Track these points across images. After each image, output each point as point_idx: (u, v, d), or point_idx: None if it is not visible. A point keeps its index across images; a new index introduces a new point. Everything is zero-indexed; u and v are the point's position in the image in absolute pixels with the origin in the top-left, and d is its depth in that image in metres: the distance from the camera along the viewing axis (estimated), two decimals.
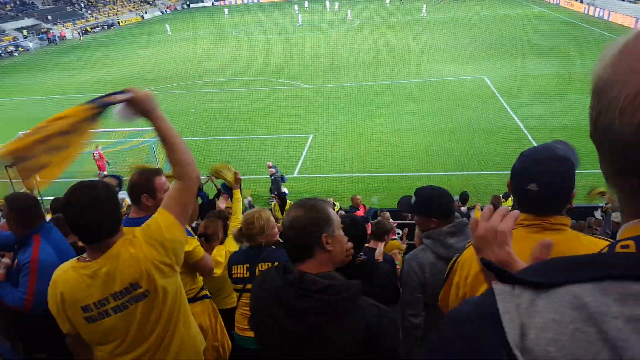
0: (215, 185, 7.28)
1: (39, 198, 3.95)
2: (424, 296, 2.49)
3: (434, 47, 29.85)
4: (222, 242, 3.48)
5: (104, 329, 1.94)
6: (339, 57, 29.39)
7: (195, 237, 3.05)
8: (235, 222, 3.53)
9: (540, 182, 1.57)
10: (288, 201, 9.06)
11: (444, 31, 35.33)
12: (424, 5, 46.13)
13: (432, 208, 2.56)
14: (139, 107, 1.95)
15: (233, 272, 2.92)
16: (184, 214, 2.04)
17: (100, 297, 1.90)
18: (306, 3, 62.30)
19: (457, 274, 1.79)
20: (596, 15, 36.95)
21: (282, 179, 12.34)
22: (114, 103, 1.90)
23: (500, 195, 9.59)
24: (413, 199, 2.66)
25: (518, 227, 1.59)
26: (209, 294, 3.18)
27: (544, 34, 31.47)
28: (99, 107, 1.85)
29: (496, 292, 0.56)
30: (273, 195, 11.29)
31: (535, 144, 14.34)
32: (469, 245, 1.80)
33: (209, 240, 3.41)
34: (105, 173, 14.28)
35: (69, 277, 1.93)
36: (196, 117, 20.06)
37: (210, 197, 7.17)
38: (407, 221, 9.00)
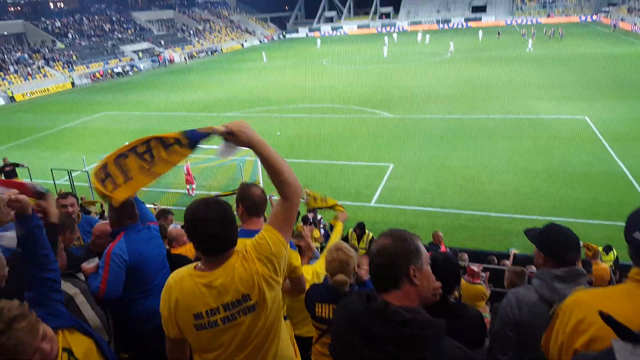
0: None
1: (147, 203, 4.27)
2: (515, 335, 2.39)
3: (531, 84, 28.36)
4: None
5: (211, 336, 2.05)
6: (426, 89, 29.02)
7: (296, 250, 3.08)
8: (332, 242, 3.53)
9: None
10: (367, 231, 8.85)
11: (542, 68, 33.51)
12: (530, 40, 44.31)
13: (550, 243, 2.44)
14: (240, 139, 2.05)
15: (317, 310, 2.92)
16: (288, 230, 2.15)
17: (213, 307, 2.01)
18: (395, 35, 62.87)
19: (558, 319, 1.72)
20: None
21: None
22: (207, 135, 2.08)
23: (600, 248, 8.60)
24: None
25: (629, 281, 1.57)
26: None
27: None
28: (190, 140, 2.08)
29: (616, 349, 0.51)
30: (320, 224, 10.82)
31: None
32: (574, 292, 1.74)
33: (302, 255, 3.45)
34: (194, 186, 15.20)
35: (185, 284, 2.05)
36: (281, 139, 20.76)
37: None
38: (492, 265, 8.37)
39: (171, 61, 57.68)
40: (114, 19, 65.99)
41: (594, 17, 68.08)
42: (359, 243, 8.41)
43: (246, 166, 15.55)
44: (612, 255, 8.79)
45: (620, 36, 49.26)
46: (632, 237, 1.55)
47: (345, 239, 8.68)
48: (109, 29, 61.95)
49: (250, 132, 2.06)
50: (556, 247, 2.41)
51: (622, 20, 57.38)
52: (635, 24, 52.64)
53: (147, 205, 3.85)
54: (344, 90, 30.99)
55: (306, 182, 15.62)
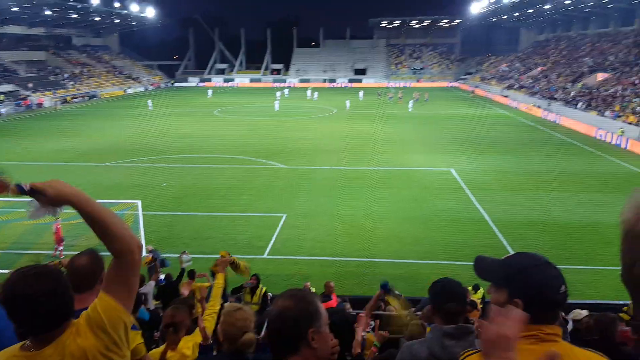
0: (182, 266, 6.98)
1: None
2: None
3: (406, 139, 31.45)
4: (188, 332, 3.28)
5: None
6: (316, 142, 30.45)
7: (139, 331, 2.84)
8: (211, 310, 3.37)
9: (526, 292, 1.54)
10: (261, 285, 8.72)
11: (416, 125, 37.50)
12: (410, 101, 48.94)
13: (433, 294, 2.58)
14: (50, 196, 1.70)
15: None
16: (125, 294, 1.84)
17: None
18: (286, 90, 65.72)
19: None
20: (551, 119, 40.22)
21: (163, 264, 11.25)
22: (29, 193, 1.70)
23: (470, 288, 9.58)
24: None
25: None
26: None
27: (506, 133, 33.83)
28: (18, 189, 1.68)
29: None
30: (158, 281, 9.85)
31: (501, 237, 14.74)
32: (465, 355, 1.72)
33: (177, 331, 3.20)
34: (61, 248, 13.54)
35: None
36: (167, 191, 19.89)
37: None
38: (380, 312, 8.77)
39: (40, 105, 52.68)
40: None
41: (455, 83, 78.95)
42: (252, 297, 8.23)
43: (126, 221, 14.51)
44: (479, 293, 9.83)
45: (476, 100, 57.63)
46: (559, 293, 1.56)
47: (235, 289, 8.46)
48: None
49: (63, 187, 1.73)
50: (437, 297, 2.55)
51: (477, 87, 67.44)
52: (487, 91, 62.32)
53: None
54: (236, 141, 31.10)
55: (196, 236, 15.05)
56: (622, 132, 29.84)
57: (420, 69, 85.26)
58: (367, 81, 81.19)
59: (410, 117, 42.06)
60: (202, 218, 16.84)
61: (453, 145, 29.44)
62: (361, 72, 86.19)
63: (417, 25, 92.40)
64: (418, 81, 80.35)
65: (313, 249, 14.25)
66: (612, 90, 39.00)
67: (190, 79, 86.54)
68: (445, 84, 79.14)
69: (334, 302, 8.39)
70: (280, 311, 1.57)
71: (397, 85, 76.66)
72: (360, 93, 59.92)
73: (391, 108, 48.66)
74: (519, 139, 31.55)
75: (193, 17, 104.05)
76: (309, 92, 61.19)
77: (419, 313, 7.35)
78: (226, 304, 2.96)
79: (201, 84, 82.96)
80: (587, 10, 58.79)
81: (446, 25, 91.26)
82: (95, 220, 1.79)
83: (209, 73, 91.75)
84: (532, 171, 22.94)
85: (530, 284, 1.56)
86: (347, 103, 49.74)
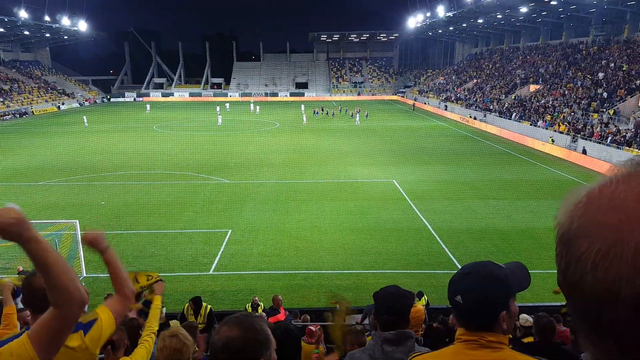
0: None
1: None
2: None
3: (349, 152, 32.11)
4: (127, 353, 3.19)
5: None
6: (260, 156, 30.33)
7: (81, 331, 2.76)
8: (149, 331, 3.29)
9: (465, 296, 1.61)
10: (204, 304, 8.51)
11: (359, 138, 38.40)
12: (357, 115, 49.53)
13: (376, 302, 2.59)
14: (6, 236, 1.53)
15: None
16: (49, 348, 1.62)
17: None
18: (227, 105, 64.99)
19: None
20: (488, 130, 42.67)
21: (17, 292, 10.86)
22: None
23: (415, 293, 9.92)
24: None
25: (457, 342, 1.62)
26: None
27: (444, 144, 35.49)
28: None
29: None
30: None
31: (443, 245, 15.38)
32: (412, 357, 1.76)
33: (114, 349, 3.13)
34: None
35: None
36: (106, 209, 18.98)
37: None
38: (328, 323, 8.86)
39: None
40: None
41: (395, 96, 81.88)
42: (196, 318, 8.01)
43: (64, 241, 13.72)
44: (423, 300, 10.21)
45: (416, 112, 60.03)
46: (455, 301, 1.62)
47: (182, 315, 8.22)
48: None
49: (21, 226, 1.52)
50: (377, 307, 2.63)
51: (415, 99, 70.27)
52: (426, 103, 65.12)
53: None
54: (177, 156, 30.30)
55: (137, 255, 14.46)
56: (552, 140, 32.27)
57: (361, 82, 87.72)
58: (309, 95, 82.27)
59: (353, 130, 43.04)
60: (144, 236, 16.21)
61: (395, 156, 30.44)
62: (303, 85, 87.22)
63: (356, 40, 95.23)
64: (359, 95, 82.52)
65: (260, 264, 14.14)
66: (543, 101, 41.71)
67: (127, 94, 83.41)
68: (385, 97, 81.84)
69: (282, 315, 8.39)
70: (225, 342, 1.44)
71: (339, 98, 78.24)
72: (302, 106, 60.25)
73: (335, 121, 49.53)
74: (456, 150, 33.18)
75: (128, 31, 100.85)
76: (251, 106, 60.90)
77: (366, 322, 7.53)
78: (165, 331, 2.87)
79: (139, 99, 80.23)
80: (518, 24, 62.77)
81: (384, 39, 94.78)
82: (41, 262, 1.57)
83: (147, 87, 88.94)
84: (470, 180, 24.18)
85: (449, 293, 1.67)
86: (304, 118, 49.05)
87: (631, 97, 33.49)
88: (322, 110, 58.98)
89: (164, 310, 9.11)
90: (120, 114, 57.53)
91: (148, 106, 62.22)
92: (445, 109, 56.76)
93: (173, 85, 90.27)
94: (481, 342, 1.58)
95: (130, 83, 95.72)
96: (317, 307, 10.80)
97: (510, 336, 1.71)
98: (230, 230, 16.74)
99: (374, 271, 13.56)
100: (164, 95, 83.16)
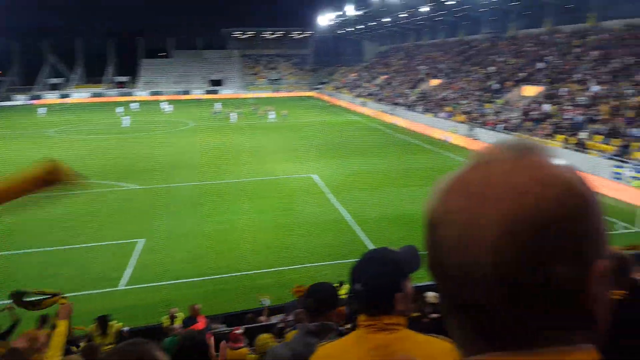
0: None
1: None
2: None
3: (268, 149, 31.78)
4: None
5: None
6: (174, 157, 28.92)
7: None
8: None
9: (364, 283, 1.68)
10: (112, 322, 7.80)
11: (277, 135, 38.15)
12: (273, 112, 48.83)
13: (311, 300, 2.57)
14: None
15: None
16: None
17: None
18: (136, 104, 61.02)
19: None
20: (396, 123, 44.65)
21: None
22: None
23: (336, 284, 10.00)
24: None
25: (359, 328, 1.68)
26: None
27: (358, 137, 36.54)
28: None
29: None
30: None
31: (362, 236, 15.76)
32: (320, 345, 1.82)
33: None
34: None
35: None
36: None
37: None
38: (252, 324, 8.61)
39: None
40: None
41: (310, 93, 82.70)
42: (104, 339, 7.35)
43: None
44: (344, 289, 10.32)
45: (332, 108, 61.12)
46: (354, 289, 1.70)
47: (88, 337, 7.48)
48: None
49: None
50: (306, 299, 2.63)
51: (331, 95, 71.62)
52: (340, 99, 66.63)
53: None
54: (78, 162, 27.75)
55: (35, 276, 13.01)
56: (455, 130, 34.61)
57: (277, 79, 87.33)
58: (225, 92, 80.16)
59: (271, 127, 42.70)
60: (43, 254, 14.64)
61: (312, 151, 30.67)
62: (217, 83, 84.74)
63: (271, 36, 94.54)
64: (277, 91, 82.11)
65: (179, 272, 13.40)
66: (444, 94, 44.70)
67: (16, 96, 75.10)
68: (302, 93, 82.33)
69: (201, 324, 7.97)
70: None
71: (255, 95, 77.20)
72: (218, 105, 57.65)
73: (253, 118, 48.77)
74: (370, 142, 34.29)
75: (14, 27, 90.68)
76: (162, 105, 57.83)
77: (290, 318, 7.41)
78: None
79: (31, 102, 72.58)
80: (419, 23, 66.95)
81: (298, 36, 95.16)
82: None
83: (41, 89, 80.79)
84: (383, 170, 25.08)
85: (350, 283, 1.75)
86: (233, 115, 46.99)
87: (517, 87, 37.05)
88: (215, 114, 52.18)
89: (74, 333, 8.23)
90: (8, 119, 51.55)
91: (43, 109, 56.46)
92: (359, 104, 58.46)
93: (71, 85, 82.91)
94: (379, 325, 1.65)
95: (20, 85, 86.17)
96: (241, 310, 10.48)
97: (414, 315, 1.88)
98: (143, 240, 15.69)
99: (297, 266, 13.49)
100: (61, 96, 76.05)
